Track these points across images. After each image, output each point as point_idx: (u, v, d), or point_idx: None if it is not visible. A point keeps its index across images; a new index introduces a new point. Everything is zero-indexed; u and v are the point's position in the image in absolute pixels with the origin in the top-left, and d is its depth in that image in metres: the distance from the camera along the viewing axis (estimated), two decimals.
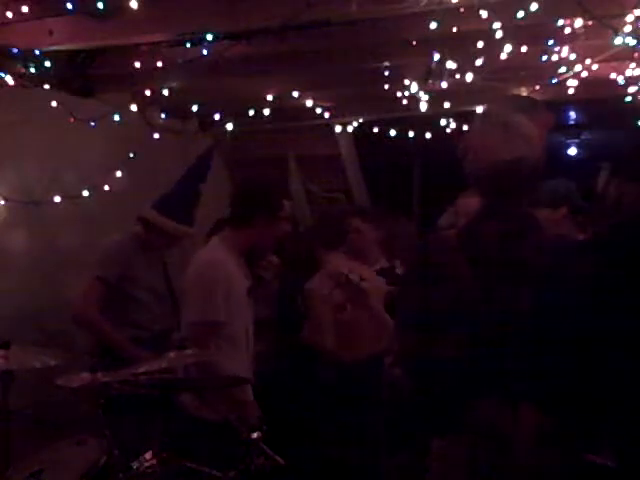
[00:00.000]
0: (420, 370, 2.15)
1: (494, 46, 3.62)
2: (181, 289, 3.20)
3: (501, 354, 1.99)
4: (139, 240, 3.87)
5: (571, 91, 4.32)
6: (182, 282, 3.16)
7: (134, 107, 4.62)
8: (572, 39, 3.72)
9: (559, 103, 5.50)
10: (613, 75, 4.27)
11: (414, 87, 4.47)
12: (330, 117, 5.51)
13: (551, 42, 3.80)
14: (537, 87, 4.48)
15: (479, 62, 3.92)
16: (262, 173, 3.69)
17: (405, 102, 4.82)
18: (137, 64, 4.13)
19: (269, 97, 4.90)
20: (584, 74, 4.02)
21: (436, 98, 4.74)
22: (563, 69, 4.05)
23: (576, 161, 6.77)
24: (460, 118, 5.16)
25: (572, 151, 6.88)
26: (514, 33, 3.54)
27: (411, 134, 5.54)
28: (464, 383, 2.02)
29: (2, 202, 4.28)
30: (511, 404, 1.94)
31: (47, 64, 4.11)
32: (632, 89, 4.45)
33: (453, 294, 2.07)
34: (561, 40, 3.78)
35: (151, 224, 3.83)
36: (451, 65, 3.99)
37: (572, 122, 6.65)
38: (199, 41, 3.88)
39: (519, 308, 1.98)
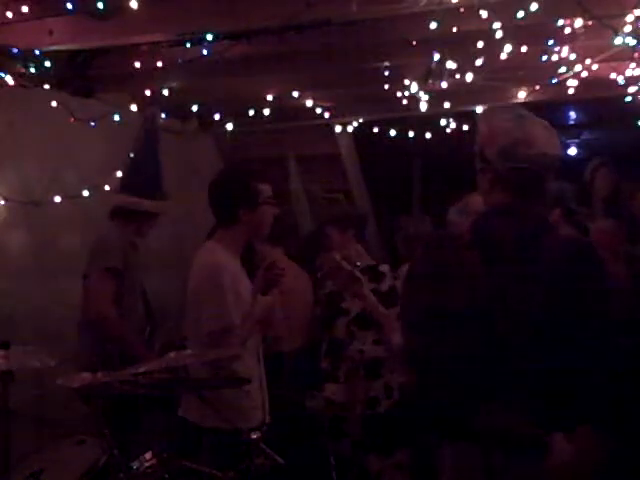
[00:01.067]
0: (428, 371, 2.14)
1: (494, 46, 3.63)
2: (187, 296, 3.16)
3: (513, 355, 1.98)
4: (122, 229, 3.81)
5: (571, 91, 4.32)
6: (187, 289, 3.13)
7: (134, 107, 4.62)
8: (572, 39, 3.72)
9: (559, 103, 5.51)
10: (613, 75, 4.27)
11: (414, 87, 4.47)
12: (330, 117, 5.51)
13: (551, 42, 3.80)
14: (537, 87, 4.48)
15: (479, 62, 3.92)
16: (232, 168, 3.65)
17: (405, 102, 4.82)
18: (137, 64, 4.13)
19: (269, 97, 4.90)
20: (584, 74, 4.02)
21: (436, 98, 4.74)
22: (563, 69, 4.05)
23: (575, 161, 6.77)
24: (460, 118, 5.17)
25: (572, 151, 6.88)
26: (514, 33, 3.54)
27: (411, 134, 5.54)
28: (474, 385, 2.01)
29: (2, 202, 4.29)
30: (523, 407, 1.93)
31: (47, 64, 4.11)
32: (632, 89, 4.46)
33: (465, 293, 2.05)
34: (561, 40, 3.78)
35: (127, 209, 3.77)
36: (451, 65, 3.99)
37: (572, 122, 6.65)
38: (199, 41, 3.88)
39: (532, 309, 1.97)
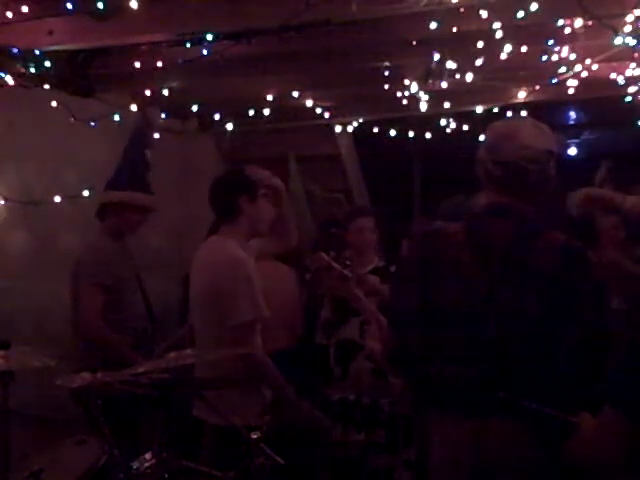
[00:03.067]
0: (417, 371, 2.14)
1: (494, 46, 3.63)
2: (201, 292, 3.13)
3: (503, 355, 1.98)
4: (111, 231, 3.81)
5: (571, 91, 4.32)
6: (202, 285, 3.10)
7: (134, 107, 4.62)
8: (572, 39, 3.72)
9: (559, 103, 5.51)
10: (613, 75, 4.27)
11: (414, 87, 4.47)
12: (330, 117, 5.51)
13: (551, 42, 3.80)
14: (537, 87, 4.48)
15: (479, 62, 3.92)
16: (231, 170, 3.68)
17: (405, 102, 4.82)
18: (137, 64, 4.13)
19: (269, 97, 4.90)
20: (584, 74, 4.02)
21: (436, 98, 4.74)
22: (563, 69, 4.05)
23: (576, 161, 6.76)
24: (460, 118, 5.17)
25: (572, 151, 6.87)
26: (514, 33, 3.54)
27: (411, 134, 5.54)
28: (464, 385, 2.01)
29: (2, 202, 4.28)
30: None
31: (47, 64, 4.11)
32: (632, 89, 4.45)
33: (456, 291, 2.05)
34: (561, 40, 3.78)
35: (124, 205, 3.78)
36: (451, 65, 3.99)
37: (572, 122, 6.65)
38: (199, 41, 3.88)
39: (524, 310, 1.97)
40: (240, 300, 2.91)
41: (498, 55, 3.72)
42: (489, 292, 2.02)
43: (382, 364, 2.71)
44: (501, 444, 1.97)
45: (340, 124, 5.81)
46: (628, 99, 4.60)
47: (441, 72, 4.15)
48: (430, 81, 4.34)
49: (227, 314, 2.92)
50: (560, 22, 3.60)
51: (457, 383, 2.01)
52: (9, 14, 3.52)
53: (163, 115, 5.27)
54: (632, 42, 3.42)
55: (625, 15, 3.32)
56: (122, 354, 3.53)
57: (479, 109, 4.97)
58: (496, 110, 4.90)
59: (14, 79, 4.04)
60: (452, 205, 3.27)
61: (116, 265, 3.72)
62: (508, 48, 3.63)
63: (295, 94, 4.96)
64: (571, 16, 3.47)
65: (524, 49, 3.73)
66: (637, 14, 3.29)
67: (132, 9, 3.36)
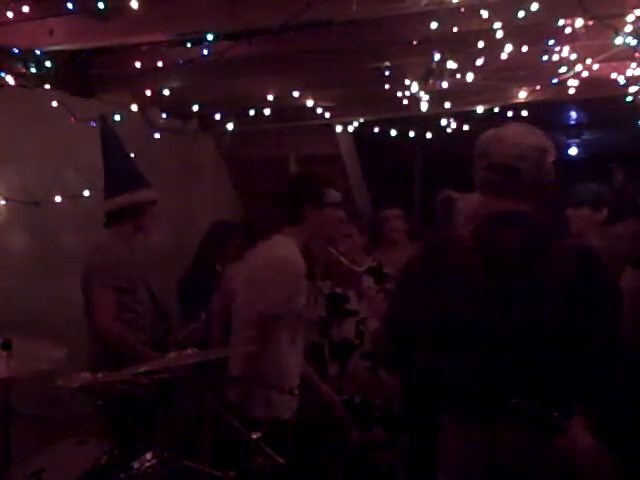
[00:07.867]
0: (421, 376, 2.13)
1: (494, 46, 3.63)
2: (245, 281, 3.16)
3: (512, 361, 1.98)
4: (121, 234, 3.81)
5: (572, 91, 4.32)
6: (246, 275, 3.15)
7: (134, 107, 4.62)
8: (572, 39, 3.72)
9: (559, 103, 5.51)
10: (614, 75, 4.27)
11: (414, 87, 4.47)
12: (330, 117, 5.51)
13: (552, 42, 3.81)
14: (538, 87, 4.48)
15: (479, 62, 3.92)
16: (303, 172, 3.73)
17: (406, 102, 4.82)
18: (137, 64, 4.13)
19: (269, 97, 4.90)
20: (585, 74, 4.02)
21: (436, 98, 4.74)
22: (564, 69, 4.05)
23: (576, 161, 6.77)
24: (461, 118, 5.17)
25: (572, 151, 6.88)
26: (514, 33, 3.54)
27: (412, 134, 5.54)
28: (471, 389, 2.00)
29: (2, 202, 4.29)
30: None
31: (47, 64, 4.12)
32: (633, 89, 4.45)
33: (464, 297, 2.04)
34: (562, 40, 3.78)
35: (118, 211, 3.78)
36: (451, 65, 4.00)
37: (572, 122, 6.66)
38: (199, 41, 3.88)
39: (540, 317, 1.96)
40: (266, 292, 2.97)
41: (498, 55, 3.72)
42: (501, 299, 2.00)
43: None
44: (513, 450, 1.96)
45: (340, 124, 5.82)
46: (629, 99, 4.59)
47: (441, 72, 4.16)
48: (430, 81, 4.34)
49: (250, 302, 3.00)
50: (560, 22, 3.60)
51: (469, 390, 2.01)
52: (9, 14, 3.53)
53: (163, 115, 5.27)
54: (633, 42, 3.42)
55: (626, 15, 3.33)
56: (137, 352, 3.52)
57: (479, 109, 4.97)
58: (496, 110, 4.90)
59: (14, 79, 4.04)
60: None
61: (128, 266, 3.72)
62: (508, 48, 3.63)
63: (295, 94, 4.96)
64: (572, 16, 3.47)
65: (524, 49, 3.73)
66: (638, 14, 3.29)
67: (132, 9, 3.36)
